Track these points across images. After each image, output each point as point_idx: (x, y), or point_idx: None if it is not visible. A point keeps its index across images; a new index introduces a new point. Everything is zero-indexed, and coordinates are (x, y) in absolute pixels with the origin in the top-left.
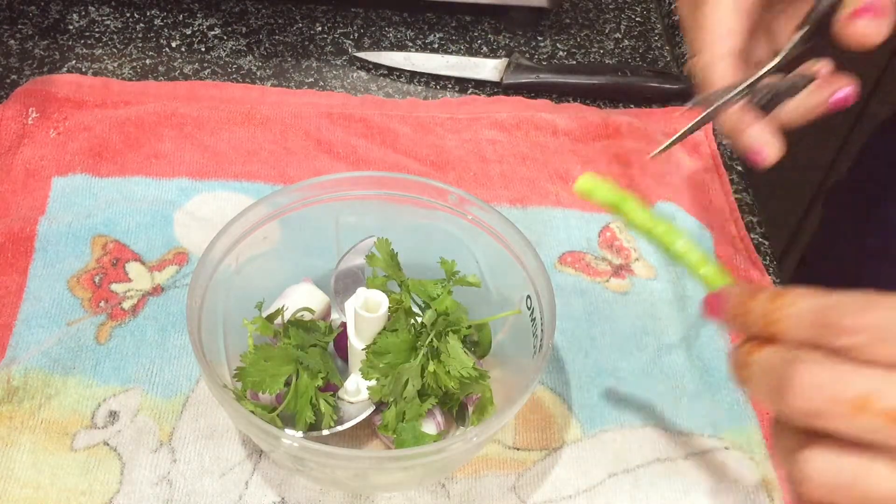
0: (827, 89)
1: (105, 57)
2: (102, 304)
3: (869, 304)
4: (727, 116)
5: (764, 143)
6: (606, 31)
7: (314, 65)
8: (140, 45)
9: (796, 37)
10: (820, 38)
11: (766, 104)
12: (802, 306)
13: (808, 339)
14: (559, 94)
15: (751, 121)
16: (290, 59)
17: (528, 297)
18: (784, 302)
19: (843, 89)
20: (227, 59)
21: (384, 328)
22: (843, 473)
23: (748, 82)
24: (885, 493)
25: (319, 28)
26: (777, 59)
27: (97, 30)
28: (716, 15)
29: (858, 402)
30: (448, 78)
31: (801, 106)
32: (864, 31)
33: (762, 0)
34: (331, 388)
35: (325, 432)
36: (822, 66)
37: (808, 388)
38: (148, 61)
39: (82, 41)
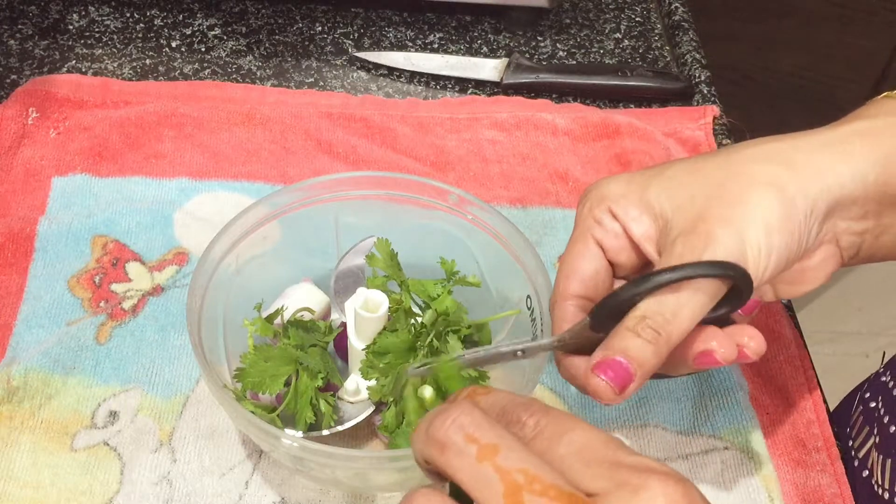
0: (692, 345)
1: (105, 57)
2: (102, 304)
3: (547, 408)
4: (562, 363)
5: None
6: (606, 31)
7: (314, 65)
8: (140, 45)
9: (584, 321)
10: (605, 330)
11: None
12: (499, 396)
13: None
14: (559, 94)
15: (583, 362)
16: (290, 59)
17: (528, 297)
18: (487, 391)
19: (710, 345)
20: (227, 59)
21: (384, 328)
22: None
23: (509, 347)
24: None
25: (319, 28)
26: (555, 339)
27: (97, 30)
28: (568, 255)
29: (486, 449)
30: (448, 78)
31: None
32: (597, 387)
33: (626, 247)
34: (331, 388)
35: (325, 432)
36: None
37: (453, 421)
38: (148, 61)
39: (82, 41)
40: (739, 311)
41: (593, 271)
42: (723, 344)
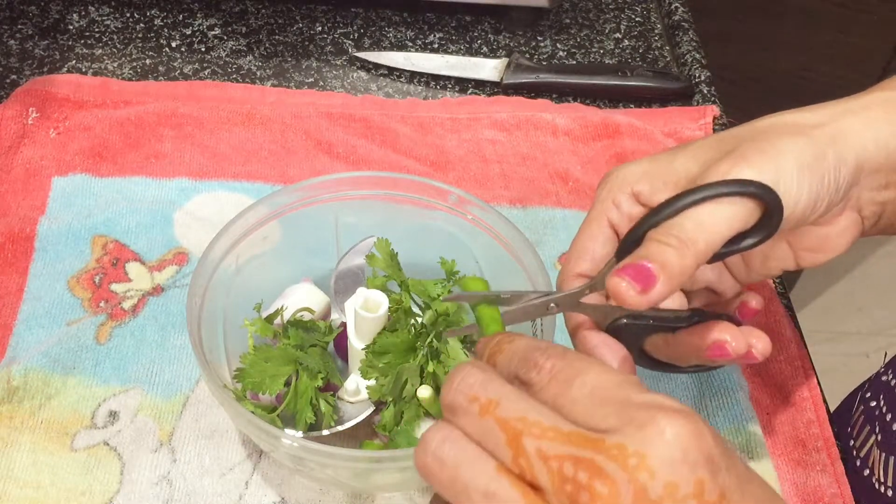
0: (707, 335)
1: (105, 57)
2: (102, 304)
3: (565, 352)
4: (578, 337)
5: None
6: (606, 31)
7: (314, 65)
8: (140, 45)
9: (611, 261)
10: None
11: (623, 331)
12: (520, 343)
13: (511, 368)
14: (559, 94)
15: (600, 339)
16: (290, 59)
17: None
18: (511, 339)
19: (724, 337)
20: (227, 59)
21: (384, 328)
22: (455, 455)
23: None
24: (477, 490)
25: (319, 28)
26: (584, 285)
27: (97, 30)
28: (580, 235)
29: (487, 405)
30: (448, 78)
31: (670, 345)
32: (618, 288)
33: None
34: (331, 388)
35: (325, 432)
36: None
37: (459, 383)
38: (148, 61)
39: (82, 41)
40: (740, 316)
41: (605, 254)
42: (735, 338)
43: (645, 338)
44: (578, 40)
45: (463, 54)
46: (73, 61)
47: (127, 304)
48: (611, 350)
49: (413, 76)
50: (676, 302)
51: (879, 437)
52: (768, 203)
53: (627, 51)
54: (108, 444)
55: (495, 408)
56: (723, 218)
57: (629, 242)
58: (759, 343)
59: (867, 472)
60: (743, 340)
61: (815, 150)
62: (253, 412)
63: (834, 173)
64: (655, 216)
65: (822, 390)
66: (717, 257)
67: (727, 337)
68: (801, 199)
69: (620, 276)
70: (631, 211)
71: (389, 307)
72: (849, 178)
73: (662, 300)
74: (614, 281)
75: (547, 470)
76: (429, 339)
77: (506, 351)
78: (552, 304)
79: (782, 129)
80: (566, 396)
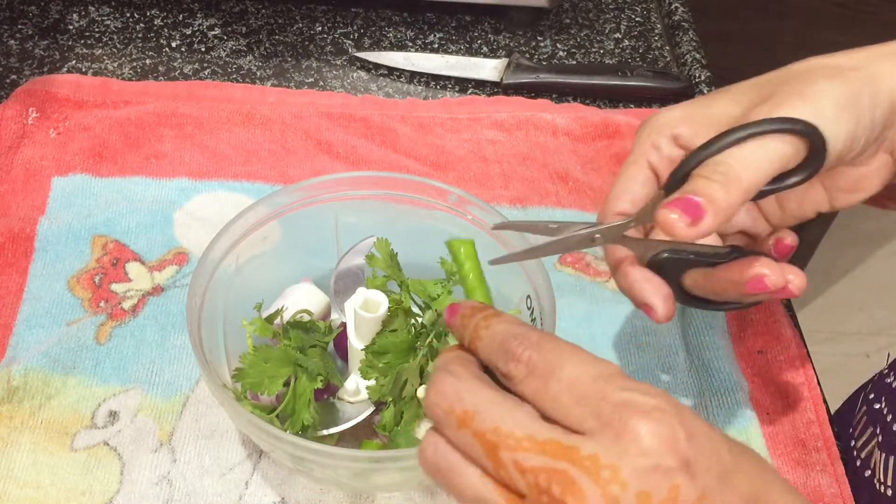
0: (746, 270)
1: (105, 57)
2: (102, 304)
3: (541, 340)
4: (620, 271)
5: (653, 302)
6: (606, 31)
7: (314, 65)
8: (140, 45)
9: (658, 194)
10: None
11: (664, 265)
12: (497, 329)
13: (491, 359)
14: (559, 94)
15: (641, 275)
16: (290, 59)
17: (528, 296)
18: (488, 323)
19: (763, 271)
20: (227, 59)
21: (384, 328)
22: (446, 463)
23: (592, 227)
24: (468, 494)
25: (319, 28)
26: (630, 219)
27: (97, 30)
28: (621, 176)
29: (463, 417)
30: (448, 78)
31: (709, 279)
32: (668, 220)
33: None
34: (331, 388)
35: (325, 432)
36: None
37: (434, 395)
38: (148, 61)
39: (82, 41)
40: (776, 253)
41: (644, 195)
42: (774, 272)
43: (684, 272)
44: (578, 40)
45: (463, 54)
46: (73, 61)
47: (127, 304)
48: (652, 285)
49: (413, 76)
50: (711, 243)
51: (881, 438)
52: (812, 141)
53: (627, 51)
54: (108, 444)
55: (471, 420)
56: (768, 155)
57: (677, 178)
58: (795, 278)
59: (868, 472)
60: (781, 274)
61: (851, 90)
62: (252, 412)
63: (870, 113)
64: (702, 153)
65: (822, 390)
66: (762, 195)
67: (766, 271)
68: (840, 138)
69: (671, 209)
70: (671, 153)
71: (389, 307)
72: (883, 119)
73: (710, 233)
74: (664, 212)
75: (525, 482)
76: (429, 339)
77: (484, 338)
78: (597, 235)
79: (819, 72)
80: (546, 392)
